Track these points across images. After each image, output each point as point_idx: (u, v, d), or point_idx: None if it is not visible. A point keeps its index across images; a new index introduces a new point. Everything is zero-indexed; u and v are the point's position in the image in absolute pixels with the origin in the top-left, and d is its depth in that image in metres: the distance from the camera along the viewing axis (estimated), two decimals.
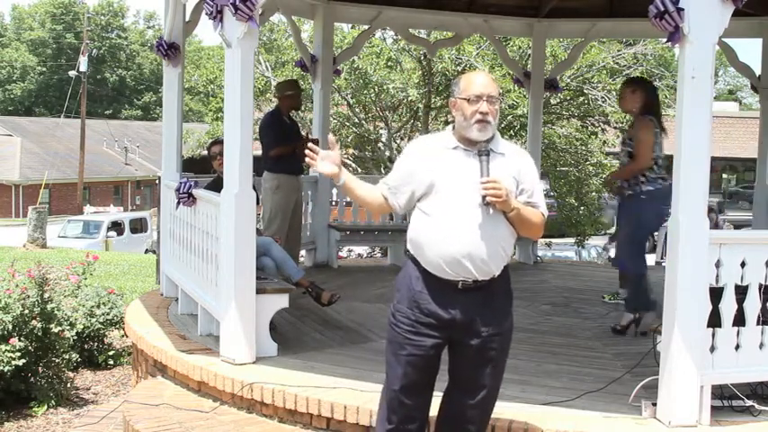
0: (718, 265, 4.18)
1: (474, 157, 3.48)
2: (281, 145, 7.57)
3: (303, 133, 8.61)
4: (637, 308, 6.12)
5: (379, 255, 14.94)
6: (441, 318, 3.47)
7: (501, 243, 3.49)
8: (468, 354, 3.53)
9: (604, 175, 19.78)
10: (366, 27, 9.95)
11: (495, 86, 3.53)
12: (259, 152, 8.17)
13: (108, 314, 7.35)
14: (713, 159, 4.93)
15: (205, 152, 24.75)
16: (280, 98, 7.92)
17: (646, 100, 6.08)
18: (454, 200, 3.45)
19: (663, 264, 7.50)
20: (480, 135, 3.46)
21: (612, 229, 15.83)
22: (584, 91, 18.91)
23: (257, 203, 5.28)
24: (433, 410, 3.73)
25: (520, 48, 17.42)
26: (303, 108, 18.08)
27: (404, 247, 3.81)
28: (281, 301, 5.36)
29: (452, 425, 3.68)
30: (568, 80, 18.39)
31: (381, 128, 20.45)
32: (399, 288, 3.60)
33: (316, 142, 8.08)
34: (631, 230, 6.14)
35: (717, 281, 4.19)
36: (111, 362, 7.37)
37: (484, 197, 3.40)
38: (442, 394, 3.71)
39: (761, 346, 4.32)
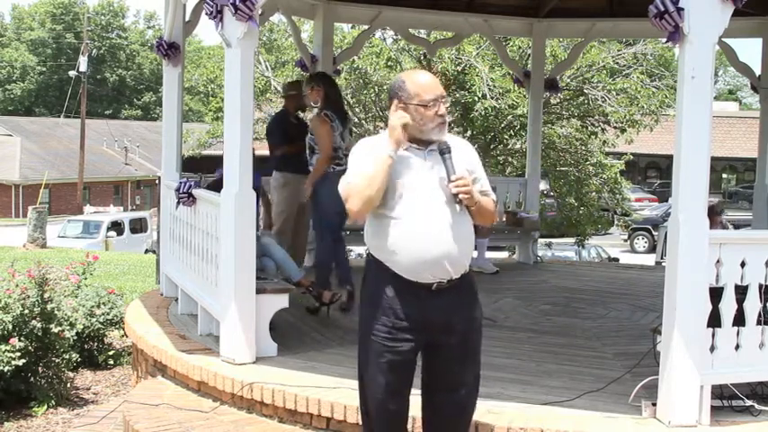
0: (718, 264, 4.18)
1: (427, 156, 3.49)
2: (287, 145, 7.64)
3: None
4: (322, 284, 6.53)
5: None
6: (417, 321, 3.46)
7: (469, 238, 3.53)
8: (448, 351, 3.53)
9: (604, 176, 19.81)
10: (366, 27, 9.95)
11: (440, 83, 3.58)
12: (263, 152, 8.23)
13: (108, 314, 7.34)
14: (713, 159, 4.93)
15: (205, 152, 24.85)
16: (285, 98, 8.09)
17: (325, 94, 6.65)
18: (422, 201, 3.44)
19: (663, 264, 7.51)
20: (440, 135, 3.50)
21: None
22: (585, 91, 18.90)
23: (259, 201, 5.27)
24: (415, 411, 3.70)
25: (520, 48, 17.41)
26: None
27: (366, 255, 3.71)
28: (281, 301, 5.36)
29: (441, 424, 3.66)
30: (568, 80, 18.38)
31: (381, 128, 20.42)
32: (371, 298, 3.54)
33: None
34: (317, 213, 6.76)
35: (717, 281, 4.20)
36: (111, 362, 7.35)
37: (456, 195, 3.40)
38: (420, 397, 3.67)
39: (761, 345, 4.33)
